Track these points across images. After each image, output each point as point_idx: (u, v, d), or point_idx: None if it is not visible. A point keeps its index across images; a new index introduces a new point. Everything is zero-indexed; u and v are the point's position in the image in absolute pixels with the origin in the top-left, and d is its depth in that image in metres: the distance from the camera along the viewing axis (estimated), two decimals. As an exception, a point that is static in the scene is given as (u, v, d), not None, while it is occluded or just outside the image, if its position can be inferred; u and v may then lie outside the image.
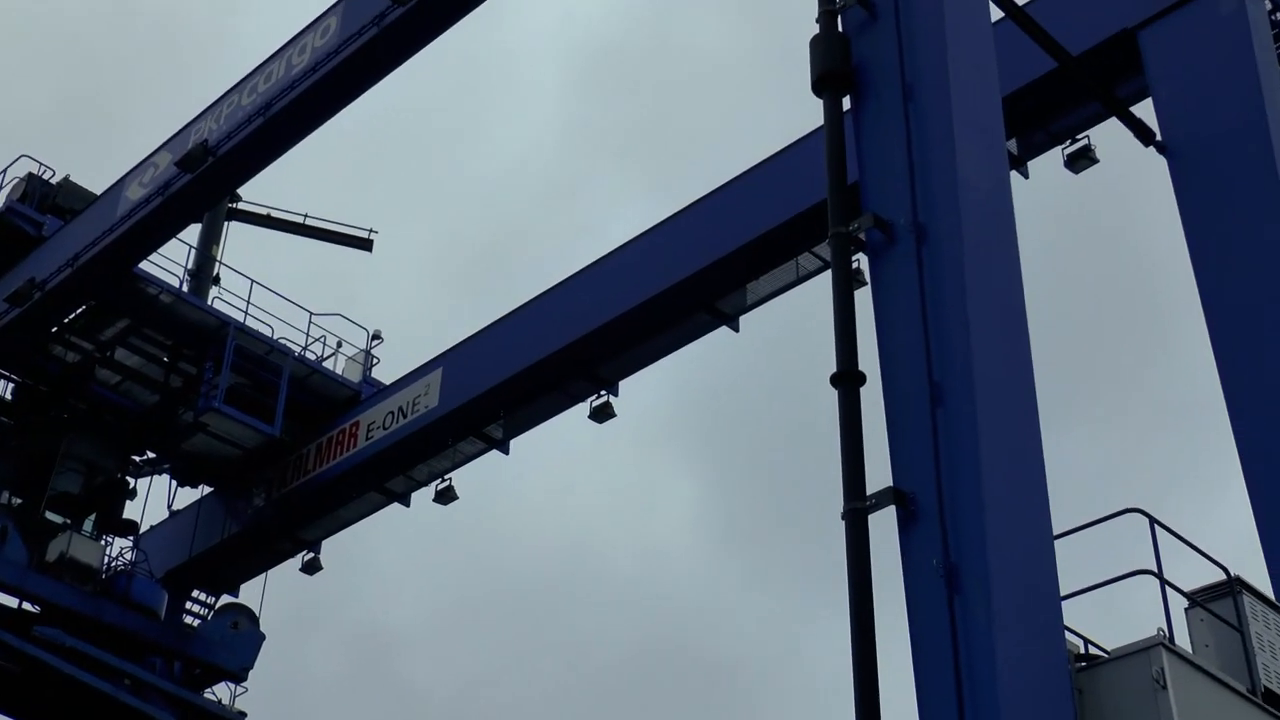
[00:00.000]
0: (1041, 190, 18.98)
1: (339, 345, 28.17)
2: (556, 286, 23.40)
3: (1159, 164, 16.11)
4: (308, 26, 22.29)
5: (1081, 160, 18.04)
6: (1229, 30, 16.09)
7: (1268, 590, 12.39)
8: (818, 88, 12.40)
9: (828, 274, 12.46)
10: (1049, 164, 18.60)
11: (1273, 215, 14.89)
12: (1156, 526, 11.08)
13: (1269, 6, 16.67)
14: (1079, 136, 18.06)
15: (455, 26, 20.74)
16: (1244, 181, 15.25)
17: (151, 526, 28.81)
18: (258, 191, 31.41)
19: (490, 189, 62.00)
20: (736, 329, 22.33)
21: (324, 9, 22.08)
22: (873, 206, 11.50)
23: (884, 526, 10.35)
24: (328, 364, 27.71)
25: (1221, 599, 11.36)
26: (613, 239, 22.44)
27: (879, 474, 10.54)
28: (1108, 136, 17.67)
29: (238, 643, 27.35)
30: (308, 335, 27.73)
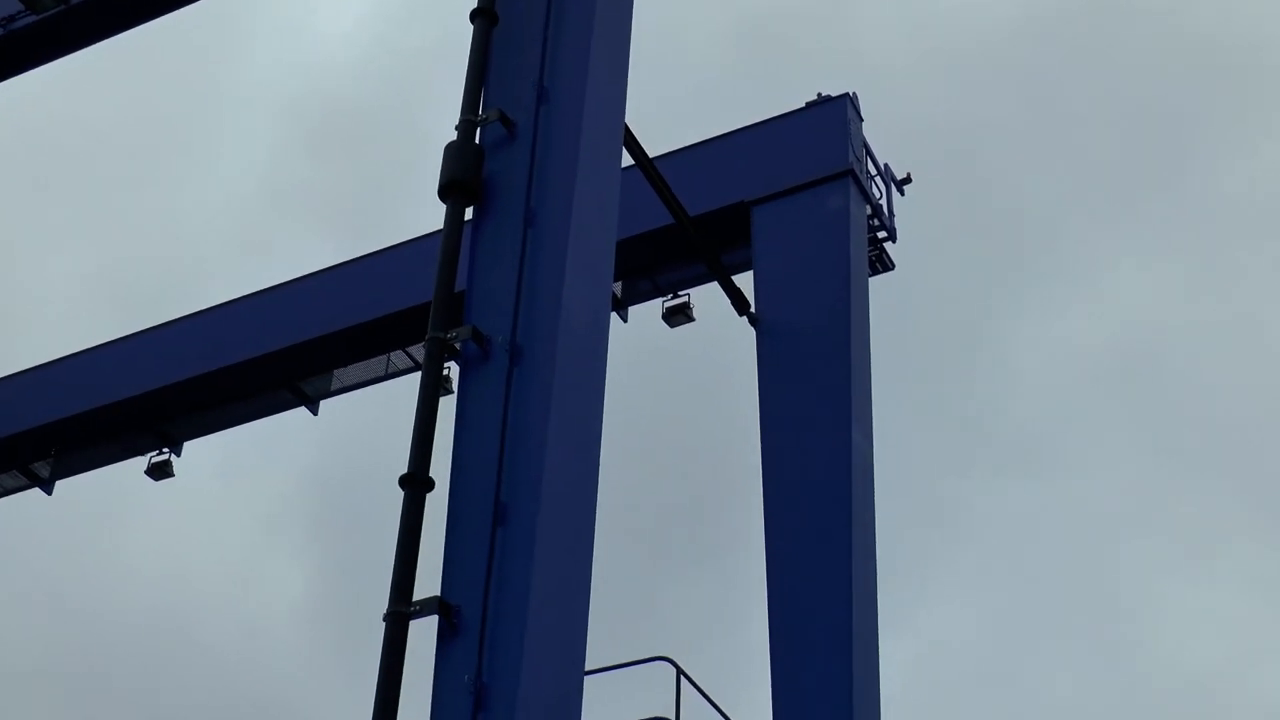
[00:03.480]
0: (638, 337, 19.51)
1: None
2: (137, 334, 22.48)
3: (751, 334, 16.92)
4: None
5: (678, 316, 18.64)
6: (832, 224, 17.15)
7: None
8: (443, 193, 12.43)
9: (416, 375, 12.43)
10: (649, 313, 19.19)
11: (837, 408, 15.82)
12: (682, 677, 11.50)
13: (869, 211, 17.87)
14: (681, 293, 18.69)
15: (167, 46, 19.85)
16: (818, 369, 16.17)
17: None
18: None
19: (174, 231, 58.33)
20: (315, 412, 21.95)
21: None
22: (474, 320, 11.57)
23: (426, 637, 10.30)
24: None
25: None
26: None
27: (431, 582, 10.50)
28: (710, 298, 18.34)
29: None
30: None
